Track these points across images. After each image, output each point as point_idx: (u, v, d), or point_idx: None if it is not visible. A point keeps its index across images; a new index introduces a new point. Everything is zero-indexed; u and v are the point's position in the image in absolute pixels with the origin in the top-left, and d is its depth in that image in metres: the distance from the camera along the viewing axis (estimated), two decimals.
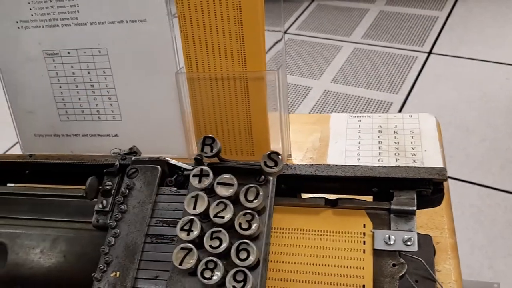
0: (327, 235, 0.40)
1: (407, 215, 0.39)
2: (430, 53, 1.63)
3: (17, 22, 0.57)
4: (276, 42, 0.66)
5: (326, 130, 0.60)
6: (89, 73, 0.57)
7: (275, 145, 0.57)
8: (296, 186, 0.43)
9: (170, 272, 0.36)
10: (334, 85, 1.55)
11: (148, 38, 0.54)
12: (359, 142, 0.58)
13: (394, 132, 0.58)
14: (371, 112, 1.12)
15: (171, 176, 0.42)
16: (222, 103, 0.55)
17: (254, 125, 0.55)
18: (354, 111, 1.42)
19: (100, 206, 0.41)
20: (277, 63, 0.54)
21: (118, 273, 0.37)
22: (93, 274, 0.37)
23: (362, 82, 1.55)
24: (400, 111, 1.39)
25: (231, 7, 0.50)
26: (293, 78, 1.54)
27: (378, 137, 0.58)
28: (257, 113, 0.55)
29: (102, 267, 0.37)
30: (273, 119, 0.56)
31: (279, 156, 0.36)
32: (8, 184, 0.50)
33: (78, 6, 0.54)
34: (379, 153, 0.56)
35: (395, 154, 0.55)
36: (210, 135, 0.39)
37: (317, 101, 1.49)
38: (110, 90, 0.58)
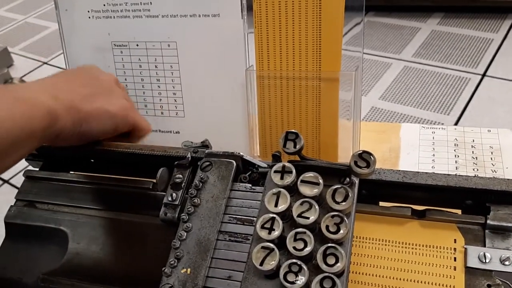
0: (413, 248, 0.37)
1: (505, 232, 0.35)
2: (484, 75, 1.57)
3: (88, 11, 0.56)
4: None
5: (396, 140, 0.57)
6: (156, 66, 0.56)
7: (343, 153, 0.54)
8: (379, 193, 0.39)
9: (244, 273, 0.34)
10: (382, 102, 1.51)
11: (220, 33, 0.53)
12: (433, 155, 0.54)
13: (472, 146, 0.54)
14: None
15: (245, 172, 0.40)
16: (291, 104, 0.53)
17: (323, 128, 0.53)
18: None
19: (170, 199, 0.39)
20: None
21: (189, 269, 0.35)
22: (163, 269, 0.35)
23: (411, 100, 1.50)
24: None
25: (310, 4, 0.48)
26: None
27: (454, 150, 0.54)
28: (327, 116, 0.52)
29: (172, 262, 0.35)
30: (341, 124, 0.53)
31: (372, 157, 0.33)
32: (71, 173, 0.48)
33: None
34: (456, 167, 0.52)
35: (473, 169, 0.52)
36: (294, 130, 0.36)
37: (364, 117, 1.45)
38: (175, 86, 0.57)
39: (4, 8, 2.32)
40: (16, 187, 1.31)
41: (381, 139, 0.58)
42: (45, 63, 1.84)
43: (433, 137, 0.56)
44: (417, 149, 0.55)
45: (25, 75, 1.75)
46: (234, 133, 0.57)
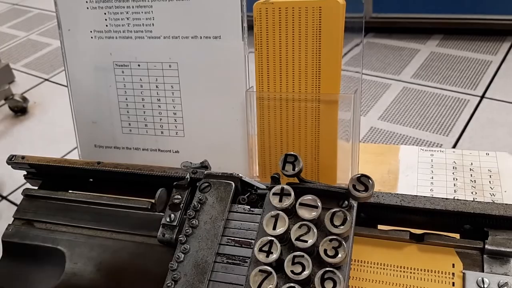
0: (411, 273, 0.36)
1: (503, 257, 0.35)
2: (483, 97, 1.58)
3: (91, 31, 0.57)
4: None
5: (395, 162, 0.57)
6: (157, 86, 0.57)
7: (342, 174, 0.54)
8: (377, 216, 0.39)
9: None
10: (381, 123, 1.51)
11: (221, 55, 0.54)
12: (432, 177, 0.54)
13: (470, 169, 0.54)
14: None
15: (243, 194, 0.40)
16: (290, 125, 0.53)
17: (322, 150, 0.53)
18: None
19: (168, 219, 0.39)
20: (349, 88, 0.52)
21: None
22: None
23: (410, 121, 1.51)
24: None
25: (310, 27, 0.49)
26: None
27: (453, 173, 0.54)
28: (326, 138, 0.52)
29: (169, 284, 0.35)
30: (340, 146, 0.53)
31: (370, 180, 0.33)
32: (70, 192, 0.48)
33: (153, 20, 0.54)
34: (454, 190, 0.52)
35: (472, 192, 0.52)
36: (293, 153, 0.36)
37: (363, 137, 1.45)
38: (176, 106, 0.57)
39: (7, 25, 2.35)
40: (14, 204, 1.30)
41: (379, 161, 0.58)
42: (47, 79, 1.85)
43: (432, 160, 0.56)
44: (415, 172, 0.55)
45: (26, 91, 1.76)
46: (233, 153, 0.57)
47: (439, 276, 0.36)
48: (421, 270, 0.36)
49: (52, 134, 1.55)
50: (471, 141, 1.43)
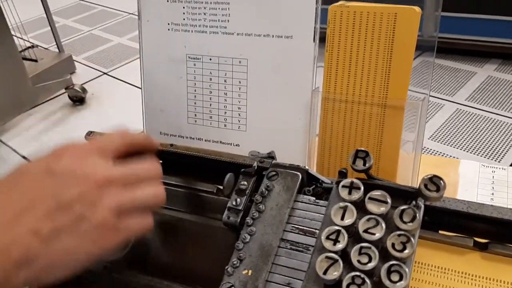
0: (473, 280, 0.36)
1: None
2: None
3: (168, 24, 0.60)
4: None
5: (455, 175, 0.57)
6: (225, 81, 0.59)
7: (401, 183, 0.54)
8: (441, 221, 0.40)
9: (304, 281, 0.35)
10: (432, 142, 1.49)
11: (291, 54, 0.55)
12: (492, 194, 0.53)
13: None
14: None
15: (308, 186, 0.41)
16: (353, 129, 0.54)
17: (383, 156, 0.53)
18: None
19: (234, 203, 0.41)
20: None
21: (250, 271, 0.36)
22: (226, 268, 0.36)
23: (462, 144, 1.48)
24: None
25: (384, 32, 0.50)
26: None
27: None
28: (389, 144, 0.53)
29: (235, 262, 0.36)
30: (401, 154, 0.53)
31: (442, 181, 0.34)
32: None
33: (229, 16, 0.57)
34: None
35: None
36: (364, 149, 0.37)
37: None
38: (241, 101, 0.59)
39: (72, 19, 2.47)
40: None
41: (439, 173, 0.57)
42: (105, 73, 1.93)
43: (493, 176, 0.55)
44: (475, 187, 0.54)
45: (85, 82, 1.84)
46: (292, 151, 0.58)
47: (502, 286, 0.36)
48: (483, 278, 0.36)
49: (106, 126, 1.62)
50: None
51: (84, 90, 1.70)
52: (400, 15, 0.49)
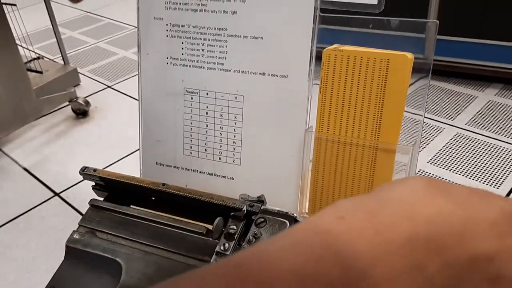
0: None
1: None
2: None
3: (167, 58, 0.61)
4: None
5: None
6: (221, 115, 0.60)
7: None
8: None
9: None
10: (431, 166, 1.49)
11: (285, 93, 0.56)
12: None
13: None
14: None
15: None
16: (345, 169, 0.55)
17: None
18: None
19: (222, 248, 0.41)
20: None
21: None
22: None
23: (461, 168, 1.48)
24: None
25: (376, 77, 0.50)
26: None
27: None
28: (380, 185, 0.53)
29: None
30: None
31: None
32: (132, 207, 0.52)
33: (226, 53, 0.58)
34: None
35: None
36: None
37: None
38: (236, 135, 0.60)
39: (78, 31, 2.50)
40: (65, 201, 1.37)
41: None
42: (109, 86, 1.95)
43: None
44: None
45: (89, 95, 1.86)
46: (285, 187, 0.59)
47: None
48: None
49: (109, 139, 1.63)
50: None
51: (87, 103, 1.72)
52: (392, 61, 0.50)
